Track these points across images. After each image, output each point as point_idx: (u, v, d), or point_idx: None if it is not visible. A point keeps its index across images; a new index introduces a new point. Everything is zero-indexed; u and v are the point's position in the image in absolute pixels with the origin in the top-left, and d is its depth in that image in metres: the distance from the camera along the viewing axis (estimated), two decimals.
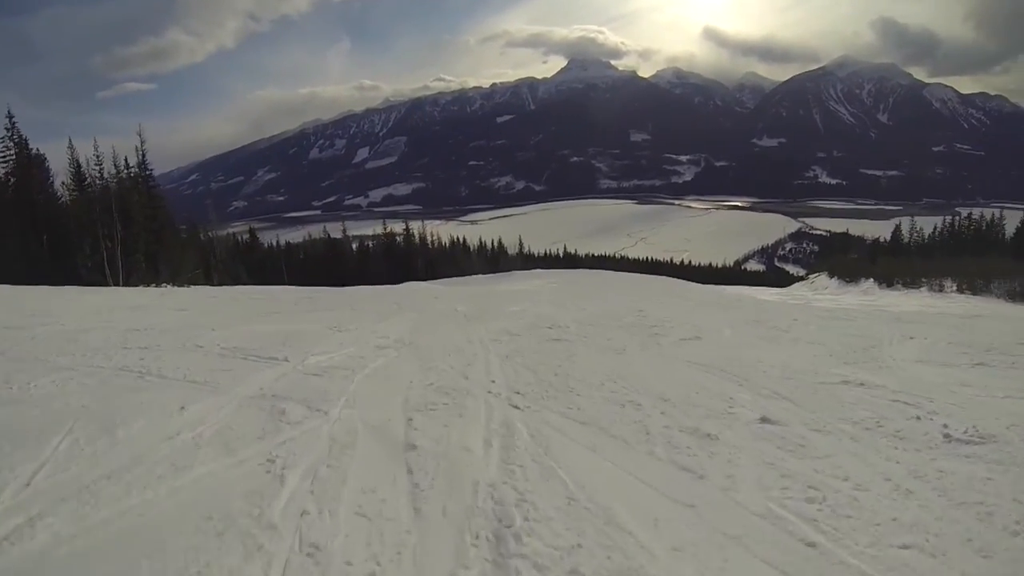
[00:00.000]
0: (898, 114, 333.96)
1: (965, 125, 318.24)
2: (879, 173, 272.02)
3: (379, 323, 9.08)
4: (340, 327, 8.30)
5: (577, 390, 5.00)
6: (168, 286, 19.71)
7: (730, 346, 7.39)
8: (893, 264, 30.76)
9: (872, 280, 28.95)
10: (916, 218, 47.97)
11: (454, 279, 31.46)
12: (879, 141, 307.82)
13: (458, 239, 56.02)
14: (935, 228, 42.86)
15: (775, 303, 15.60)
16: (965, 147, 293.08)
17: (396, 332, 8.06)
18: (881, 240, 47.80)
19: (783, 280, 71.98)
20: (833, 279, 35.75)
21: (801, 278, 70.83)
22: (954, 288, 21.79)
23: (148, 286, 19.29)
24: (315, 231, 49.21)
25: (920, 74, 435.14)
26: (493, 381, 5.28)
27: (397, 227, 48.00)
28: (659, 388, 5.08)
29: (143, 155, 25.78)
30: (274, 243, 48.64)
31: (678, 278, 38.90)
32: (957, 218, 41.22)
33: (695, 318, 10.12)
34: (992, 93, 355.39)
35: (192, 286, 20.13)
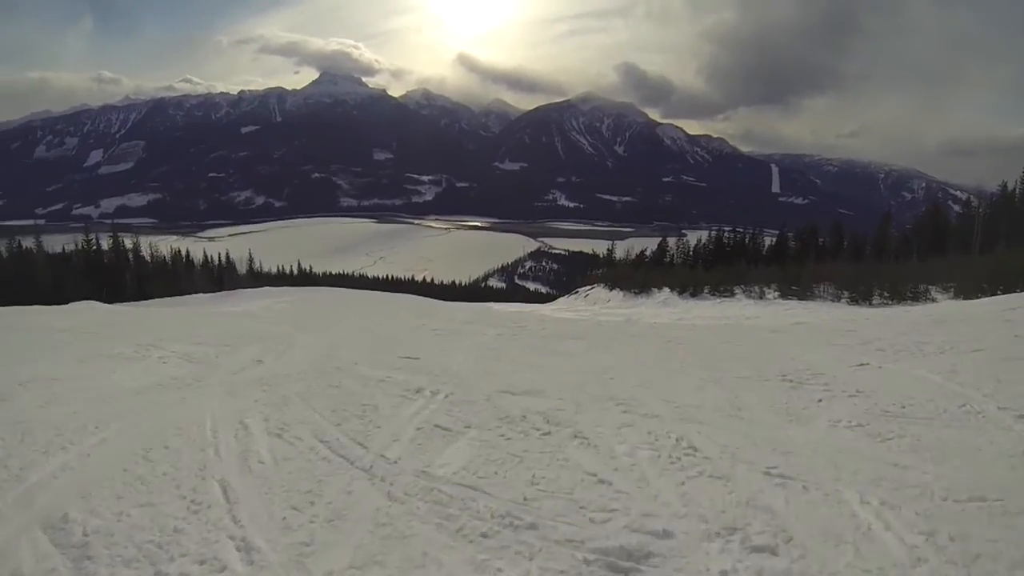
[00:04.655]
0: (633, 148, 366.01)
1: (691, 160, 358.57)
2: (615, 198, 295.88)
3: None
4: None
5: None
6: None
7: None
8: (695, 273, 29.17)
9: (667, 289, 26.93)
10: (686, 235, 50.24)
11: (169, 299, 24.34)
12: (615, 170, 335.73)
13: (181, 253, 46.19)
14: (699, 240, 44.02)
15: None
16: (691, 179, 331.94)
17: None
18: (645, 252, 48.18)
19: (522, 296, 72.22)
20: (615, 291, 33.39)
21: (546, 295, 71.67)
22: (777, 294, 19.83)
23: None
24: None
25: (655, 114, 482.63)
26: None
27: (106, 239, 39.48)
28: None
29: None
30: None
31: (421, 295, 37.44)
32: (722, 232, 42.56)
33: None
34: (715, 136, 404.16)
35: None
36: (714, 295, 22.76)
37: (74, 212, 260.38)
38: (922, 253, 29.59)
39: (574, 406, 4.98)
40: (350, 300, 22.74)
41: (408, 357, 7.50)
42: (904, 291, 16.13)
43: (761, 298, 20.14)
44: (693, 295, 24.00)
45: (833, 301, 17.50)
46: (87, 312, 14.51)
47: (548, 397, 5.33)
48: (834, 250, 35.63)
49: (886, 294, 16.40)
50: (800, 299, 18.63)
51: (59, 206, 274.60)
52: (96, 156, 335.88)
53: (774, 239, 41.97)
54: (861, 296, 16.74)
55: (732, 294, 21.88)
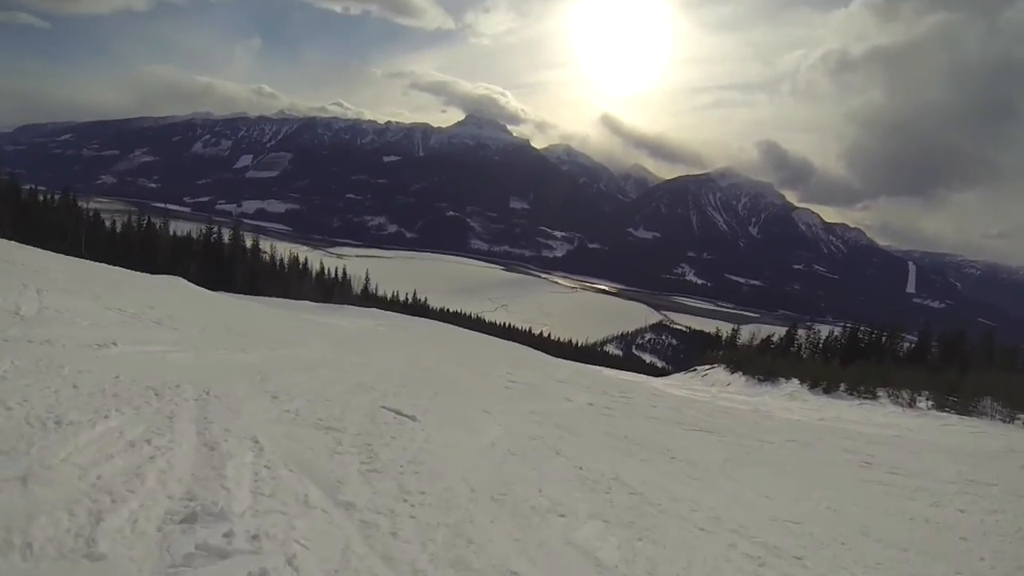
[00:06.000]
0: (767, 230, 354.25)
1: (825, 250, 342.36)
2: (742, 280, 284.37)
3: None
4: None
5: None
6: None
7: None
8: (830, 367, 26.40)
9: (795, 380, 24.46)
10: (813, 327, 46.76)
11: (271, 298, 25.45)
12: (747, 251, 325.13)
13: (299, 259, 48.85)
14: (831, 333, 40.62)
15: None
16: (822, 269, 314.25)
17: None
18: (772, 339, 44.94)
19: (638, 367, 69.51)
20: (736, 374, 31.14)
21: (661, 370, 68.36)
22: (931, 404, 17.17)
23: None
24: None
25: (792, 197, 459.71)
26: None
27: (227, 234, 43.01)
28: None
29: None
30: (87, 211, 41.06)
31: (536, 348, 35.55)
32: (857, 328, 38.74)
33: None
34: (852, 225, 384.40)
35: None
36: (851, 394, 20.24)
37: (217, 207, 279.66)
38: None
39: None
40: (448, 336, 21.70)
41: (397, 413, 4.96)
42: None
43: (911, 406, 17.53)
44: (826, 391, 21.51)
45: (1004, 421, 14.76)
46: (139, 280, 13.87)
47: None
48: (983, 360, 31.17)
49: None
50: (959, 413, 15.95)
51: (205, 199, 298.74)
52: (245, 160, 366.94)
53: (912, 343, 37.68)
54: None
55: (874, 396, 19.32)
